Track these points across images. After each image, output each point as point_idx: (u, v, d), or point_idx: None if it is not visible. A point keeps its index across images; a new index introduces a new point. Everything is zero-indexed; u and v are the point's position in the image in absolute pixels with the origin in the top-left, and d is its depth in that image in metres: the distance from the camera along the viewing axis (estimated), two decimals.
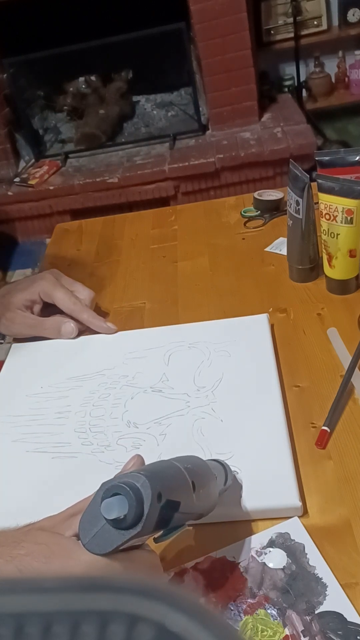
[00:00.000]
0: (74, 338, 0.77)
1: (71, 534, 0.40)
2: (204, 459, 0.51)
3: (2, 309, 0.77)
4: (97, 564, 0.36)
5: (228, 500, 0.52)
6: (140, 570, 0.39)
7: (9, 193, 2.73)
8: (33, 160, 2.89)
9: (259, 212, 0.98)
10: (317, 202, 0.74)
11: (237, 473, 0.55)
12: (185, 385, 0.66)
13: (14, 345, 0.79)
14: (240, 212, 1.00)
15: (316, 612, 0.44)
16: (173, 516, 0.39)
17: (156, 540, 0.42)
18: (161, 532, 0.41)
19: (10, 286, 0.80)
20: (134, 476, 0.37)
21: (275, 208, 0.98)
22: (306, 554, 0.48)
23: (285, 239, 0.82)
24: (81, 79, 2.86)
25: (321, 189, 0.72)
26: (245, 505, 0.52)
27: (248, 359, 0.68)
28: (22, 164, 2.92)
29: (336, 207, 0.71)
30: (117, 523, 0.36)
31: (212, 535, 0.51)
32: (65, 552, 0.38)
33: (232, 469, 0.55)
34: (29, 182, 2.71)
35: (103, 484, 0.38)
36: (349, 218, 0.71)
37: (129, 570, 0.37)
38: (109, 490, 0.37)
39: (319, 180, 0.72)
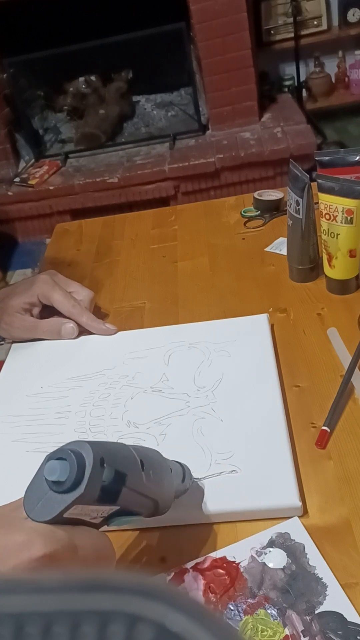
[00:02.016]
0: (74, 338, 0.77)
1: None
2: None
3: (1, 313, 0.77)
4: (41, 530, 0.36)
5: (228, 500, 0.52)
6: (85, 547, 0.38)
7: (9, 193, 2.73)
8: (33, 160, 2.89)
9: (259, 212, 0.98)
10: (317, 202, 0.74)
11: (237, 472, 0.55)
12: (185, 385, 0.66)
13: (14, 345, 0.79)
14: (240, 212, 1.00)
15: (316, 612, 0.44)
16: (120, 490, 0.39)
17: (108, 522, 0.41)
18: (113, 509, 0.40)
19: (9, 289, 0.79)
20: (77, 443, 0.38)
21: (275, 208, 0.98)
22: (306, 554, 0.48)
23: (285, 239, 0.82)
24: (81, 79, 2.87)
25: (321, 189, 0.72)
26: (245, 505, 0.52)
27: (248, 359, 0.68)
28: (22, 164, 2.92)
29: (336, 207, 0.71)
30: (59, 486, 0.36)
31: (212, 535, 0.51)
32: (7, 522, 0.38)
33: (232, 468, 0.55)
34: (29, 182, 2.71)
35: (47, 455, 0.38)
36: (349, 218, 0.71)
37: (72, 543, 0.37)
38: (52, 456, 0.37)
39: (319, 180, 0.72)
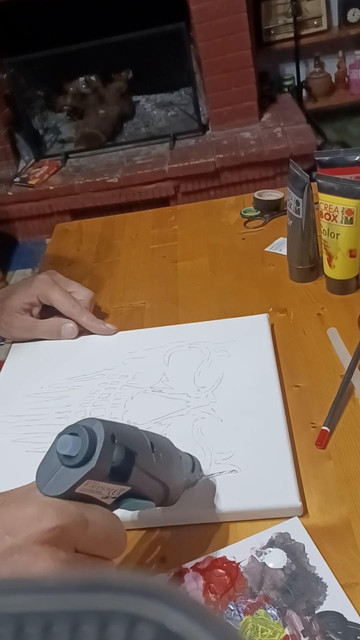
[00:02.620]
0: (74, 338, 0.77)
1: None
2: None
3: (0, 313, 0.77)
4: (53, 503, 0.37)
5: (228, 500, 0.52)
6: (97, 524, 0.38)
7: (9, 193, 2.73)
8: (33, 160, 2.89)
9: (259, 212, 0.98)
10: (317, 202, 0.74)
11: (237, 472, 0.55)
12: (185, 385, 0.66)
13: (14, 345, 0.79)
14: (240, 212, 1.00)
15: (316, 612, 0.44)
16: (131, 469, 0.39)
17: (119, 503, 0.41)
18: (124, 489, 0.40)
19: (9, 289, 0.79)
20: (89, 420, 0.38)
21: (275, 208, 0.98)
22: (306, 554, 0.48)
23: (285, 239, 0.82)
24: (81, 79, 2.87)
25: (321, 189, 0.72)
26: (245, 505, 0.52)
27: (248, 359, 0.68)
28: (22, 164, 2.92)
29: (336, 207, 0.71)
30: (71, 461, 0.37)
31: (212, 535, 0.51)
32: (20, 498, 0.38)
33: (232, 468, 0.55)
34: (29, 182, 2.71)
35: (58, 433, 0.38)
36: (349, 218, 0.71)
37: (83, 518, 0.37)
38: (64, 431, 0.38)
39: (319, 180, 0.72)
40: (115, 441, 0.38)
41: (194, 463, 0.51)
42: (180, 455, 0.48)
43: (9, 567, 0.35)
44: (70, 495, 0.37)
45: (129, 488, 0.40)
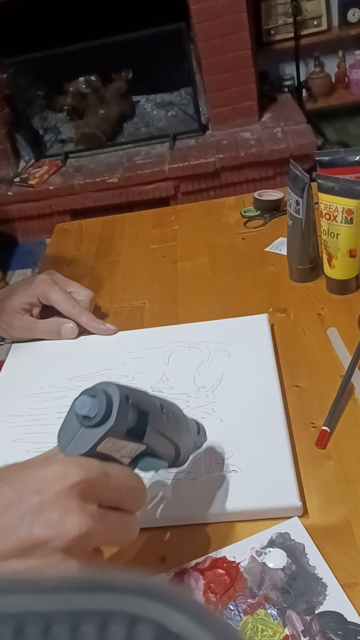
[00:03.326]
0: (74, 338, 0.77)
1: None
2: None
3: (0, 313, 0.77)
4: (76, 460, 0.38)
5: (228, 500, 0.52)
6: (118, 478, 0.40)
7: (9, 193, 2.73)
8: (33, 160, 2.89)
9: (259, 212, 0.98)
10: (317, 202, 0.74)
11: (237, 472, 0.55)
12: (185, 385, 0.66)
13: (14, 345, 0.79)
14: (240, 212, 1.00)
15: (316, 612, 0.44)
16: (145, 428, 0.41)
17: (136, 462, 0.42)
18: (140, 448, 0.42)
19: (8, 289, 0.79)
20: (102, 383, 0.41)
21: (275, 208, 0.98)
22: (306, 554, 0.48)
23: (285, 239, 0.82)
24: (81, 78, 2.87)
25: (321, 189, 0.72)
26: (245, 505, 0.52)
27: (248, 359, 0.68)
28: (22, 164, 2.92)
29: (336, 207, 0.71)
30: (90, 421, 0.39)
31: (212, 535, 0.51)
32: (43, 460, 0.40)
33: (232, 468, 0.55)
34: (29, 182, 2.71)
35: (75, 398, 0.40)
36: (349, 218, 0.71)
37: (106, 471, 0.39)
38: (81, 394, 0.40)
39: (319, 180, 0.72)
40: (130, 401, 0.40)
41: (199, 427, 0.52)
42: (187, 418, 0.50)
43: (41, 524, 0.36)
44: (92, 454, 0.39)
45: (144, 447, 0.42)
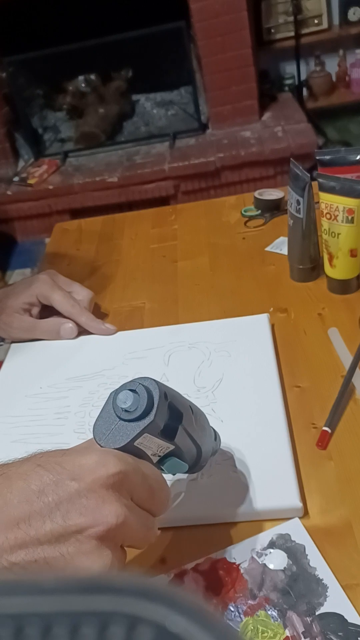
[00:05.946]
0: (73, 338, 0.77)
1: None
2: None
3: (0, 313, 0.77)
4: (113, 452, 0.39)
5: (228, 501, 0.52)
6: (150, 477, 0.40)
7: (8, 192, 2.73)
8: (32, 160, 2.89)
9: (260, 211, 0.98)
10: (318, 202, 0.74)
11: (237, 473, 0.55)
12: (186, 386, 0.66)
13: (14, 345, 0.78)
14: (241, 212, 0.99)
15: (317, 613, 0.44)
16: (178, 428, 0.42)
17: (163, 462, 0.43)
18: (170, 447, 0.42)
19: (7, 289, 0.79)
20: (142, 378, 0.41)
21: (275, 207, 0.97)
22: (307, 555, 0.48)
23: (286, 239, 0.82)
24: (81, 77, 2.86)
25: (322, 188, 0.72)
26: (245, 506, 0.52)
27: (248, 359, 0.68)
28: (21, 163, 2.92)
29: (337, 207, 0.71)
30: (129, 415, 0.39)
31: (212, 536, 0.51)
32: (81, 448, 0.40)
33: (232, 469, 0.55)
34: (28, 182, 2.71)
35: (112, 392, 0.40)
36: (349, 217, 0.71)
37: (140, 468, 0.39)
38: (121, 389, 0.40)
39: (320, 180, 0.72)
40: (168, 399, 0.41)
41: (215, 433, 0.52)
42: (209, 423, 0.51)
43: (77, 510, 0.36)
44: (127, 449, 0.39)
45: (173, 447, 0.42)
